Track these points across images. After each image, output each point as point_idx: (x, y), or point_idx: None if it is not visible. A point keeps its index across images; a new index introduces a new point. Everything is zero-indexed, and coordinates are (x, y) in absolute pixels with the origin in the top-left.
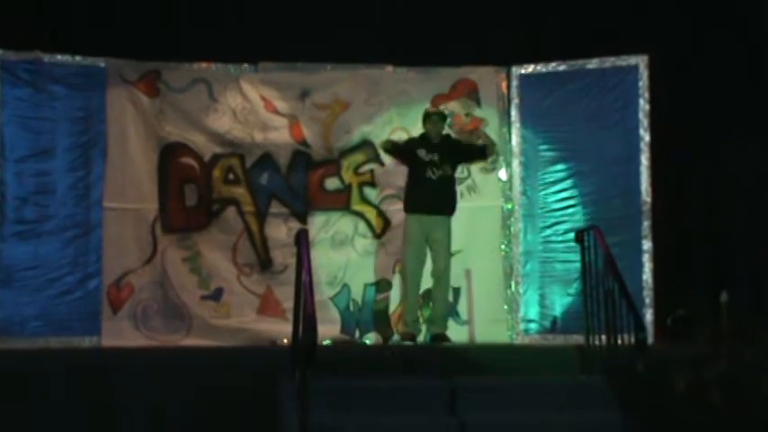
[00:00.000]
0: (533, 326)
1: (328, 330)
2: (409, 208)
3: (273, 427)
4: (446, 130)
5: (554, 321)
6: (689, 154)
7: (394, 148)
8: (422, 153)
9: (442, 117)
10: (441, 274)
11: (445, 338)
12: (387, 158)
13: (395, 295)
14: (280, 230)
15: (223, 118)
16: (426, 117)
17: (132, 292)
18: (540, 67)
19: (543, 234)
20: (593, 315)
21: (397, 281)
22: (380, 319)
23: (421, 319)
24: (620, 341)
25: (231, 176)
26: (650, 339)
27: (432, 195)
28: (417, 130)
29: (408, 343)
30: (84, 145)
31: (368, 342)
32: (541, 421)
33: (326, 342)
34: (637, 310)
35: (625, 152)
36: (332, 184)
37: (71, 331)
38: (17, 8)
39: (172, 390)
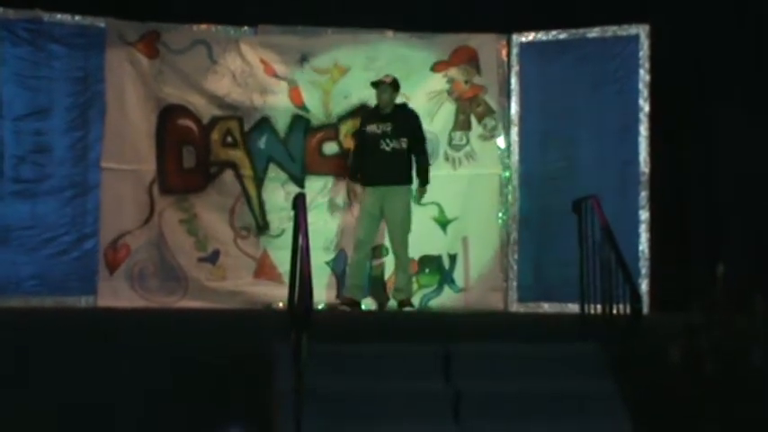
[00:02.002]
0: (529, 294)
1: (324, 295)
2: (365, 181)
3: (267, 391)
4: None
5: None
6: (688, 125)
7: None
8: (372, 128)
9: (394, 86)
10: (399, 246)
11: (410, 304)
12: None
13: (390, 261)
14: (277, 194)
15: (222, 80)
16: (376, 86)
17: (129, 252)
18: (541, 36)
19: (540, 202)
20: (589, 284)
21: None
22: (376, 284)
23: (415, 286)
24: (615, 310)
25: (229, 139)
26: (645, 309)
27: (386, 166)
28: (416, 95)
29: (346, 308)
30: (83, 105)
31: (363, 307)
32: (536, 389)
33: (322, 306)
34: (633, 279)
35: (624, 122)
36: (330, 148)
37: (67, 291)
38: None
39: (166, 351)
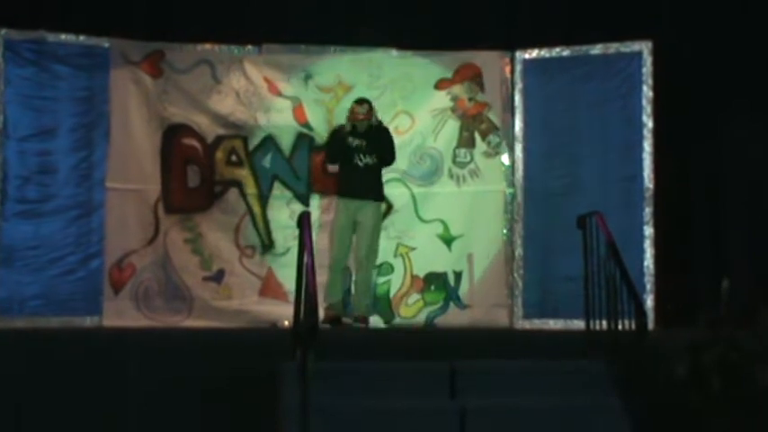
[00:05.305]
0: (534, 310)
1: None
2: (339, 192)
3: (274, 409)
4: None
5: (555, 306)
6: (692, 141)
7: (330, 154)
8: (350, 140)
9: (362, 103)
10: (362, 259)
11: (364, 321)
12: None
13: (396, 279)
14: (282, 213)
15: (226, 99)
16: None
17: (134, 272)
18: (544, 53)
19: (545, 219)
20: (594, 300)
21: (398, 264)
22: (382, 302)
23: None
24: (621, 326)
25: (234, 158)
26: (651, 325)
27: (359, 181)
28: (420, 113)
29: (327, 326)
30: (87, 125)
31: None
32: (542, 405)
33: (327, 324)
34: (638, 295)
35: (628, 138)
36: (335, 167)
37: (73, 311)
38: None
39: (173, 371)
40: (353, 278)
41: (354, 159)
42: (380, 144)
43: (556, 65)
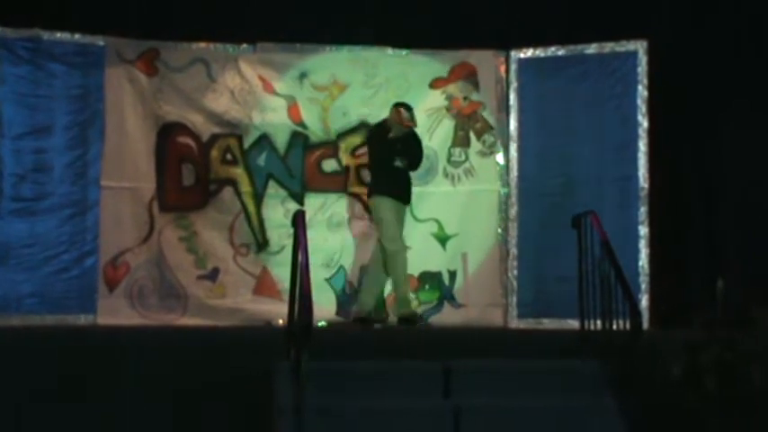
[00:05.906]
0: (529, 310)
1: (324, 312)
2: (382, 191)
3: (268, 409)
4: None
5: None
6: (687, 140)
7: (375, 152)
8: (392, 142)
9: (409, 110)
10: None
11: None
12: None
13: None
14: (277, 211)
15: (221, 98)
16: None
17: (128, 270)
18: (539, 52)
19: (540, 218)
20: (588, 300)
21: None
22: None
23: (416, 303)
24: (615, 326)
25: (229, 157)
26: (645, 325)
27: (400, 183)
28: (415, 112)
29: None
30: (82, 123)
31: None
32: (536, 405)
33: (322, 324)
34: (633, 295)
35: (623, 138)
36: (329, 165)
37: (67, 309)
38: None
39: (166, 369)
40: (366, 278)
41: (396, 161)
42: (413, 149)
43: (551, 64)
